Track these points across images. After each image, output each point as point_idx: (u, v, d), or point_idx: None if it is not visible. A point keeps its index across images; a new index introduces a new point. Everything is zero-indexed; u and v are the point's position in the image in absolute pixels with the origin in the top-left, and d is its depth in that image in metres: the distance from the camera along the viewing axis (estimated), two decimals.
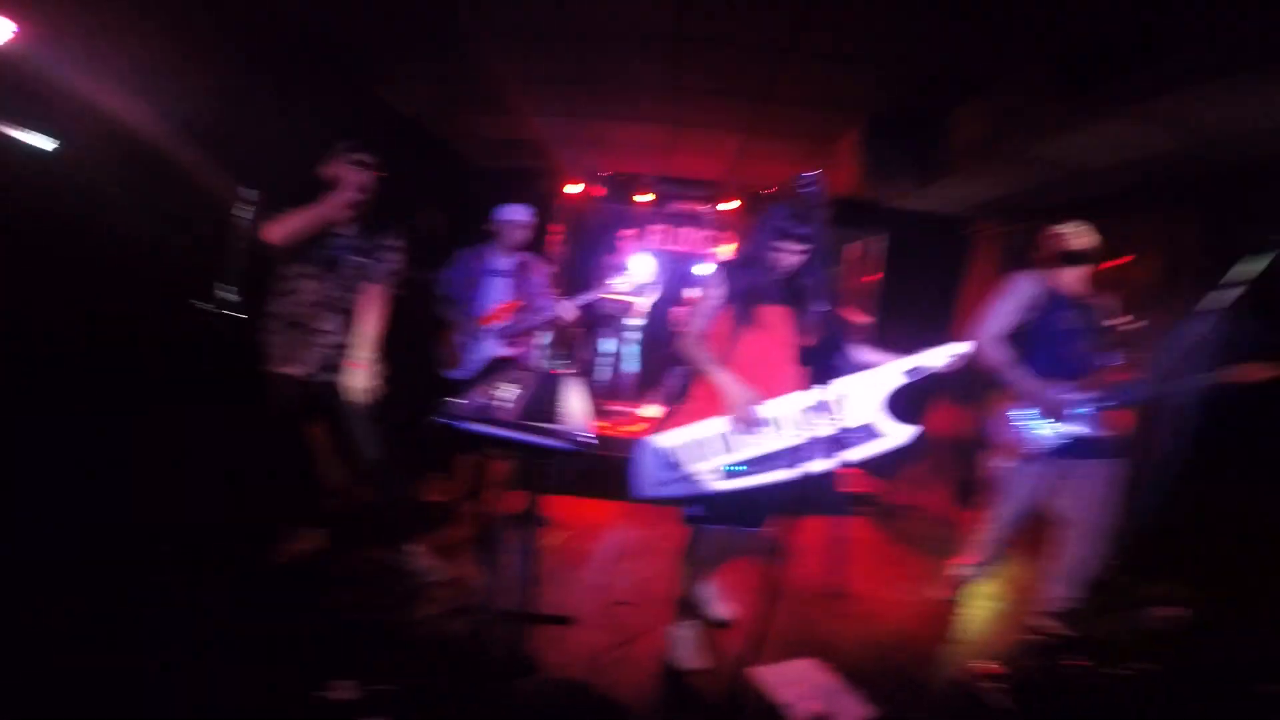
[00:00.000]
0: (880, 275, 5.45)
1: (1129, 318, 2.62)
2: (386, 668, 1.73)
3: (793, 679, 2.00)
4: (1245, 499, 2.76)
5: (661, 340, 5.03)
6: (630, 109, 4.10)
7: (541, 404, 3.01)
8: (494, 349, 3.05)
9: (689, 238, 6.23)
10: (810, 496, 3.90)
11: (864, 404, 2.02)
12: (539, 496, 3.13)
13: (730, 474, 2.01)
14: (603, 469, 3.38)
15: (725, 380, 2.03)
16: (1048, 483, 2.51)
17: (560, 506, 3.42)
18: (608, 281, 3.30)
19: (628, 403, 5.04)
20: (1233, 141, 2.65)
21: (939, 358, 2.07)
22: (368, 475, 2.51)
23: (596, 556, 2.74)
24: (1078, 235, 2.42)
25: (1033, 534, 3.62)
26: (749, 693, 1.88)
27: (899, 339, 2.16)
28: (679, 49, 3.17)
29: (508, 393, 2.26)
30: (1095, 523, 2.42)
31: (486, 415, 2.21)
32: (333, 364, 2.41)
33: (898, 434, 2.00)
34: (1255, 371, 2.24)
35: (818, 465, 1.92)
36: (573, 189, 5.46)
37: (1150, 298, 3.37)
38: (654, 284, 4.44)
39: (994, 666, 2.08)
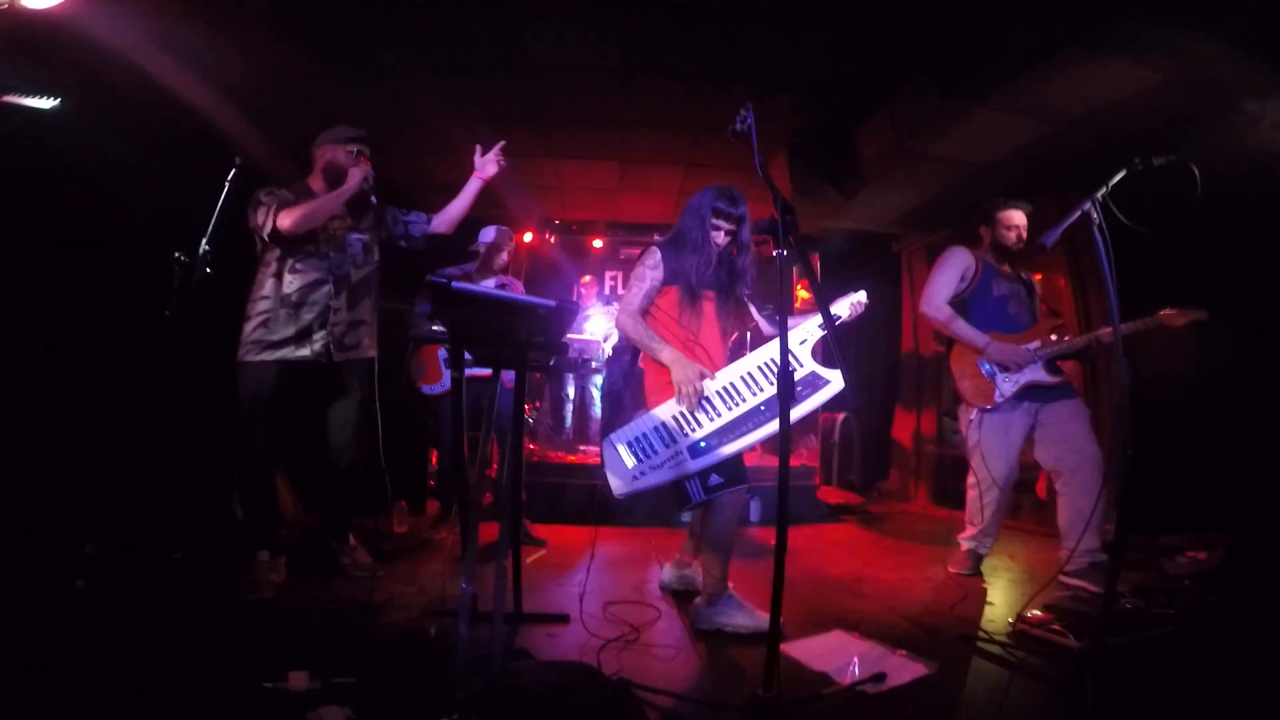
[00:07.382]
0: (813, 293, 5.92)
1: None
2: (346, 662, 1.66)
3: (829, 650, 1.92)
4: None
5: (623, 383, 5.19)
6: (578, 147, 4.48)
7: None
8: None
9: None
10: (794, 507, 3.99)
11: (800, 357, 2.16)
12: (524, 518, 3.15)
13: (700, 450, 2.02)
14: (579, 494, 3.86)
15: (671, 356, 2.08)
16: (1020, 434, 2.70)
17: (543, 528, 3.47)
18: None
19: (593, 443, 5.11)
20: (1083, 121, 3.17)
21: (844, 307, 2.32)
22: (339, 463, 2.54)
23: (582, 567, 2.69)
24: (1007, 214, 2.83)
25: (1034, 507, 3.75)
26: (786, 666, 1.72)
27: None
28: (624, 83, 3.58)
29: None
30: (1083, 463, 2.56)
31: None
32: (345, 343, 2.46)
33: (836, 378, 2.10)
34: (1175, 318, 2.43)
35: (775, 424, 1.95)
36: (526, 237, 5.76)
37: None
38: (612, 329, 4.59)
39: (1043, 614, 2.06)
